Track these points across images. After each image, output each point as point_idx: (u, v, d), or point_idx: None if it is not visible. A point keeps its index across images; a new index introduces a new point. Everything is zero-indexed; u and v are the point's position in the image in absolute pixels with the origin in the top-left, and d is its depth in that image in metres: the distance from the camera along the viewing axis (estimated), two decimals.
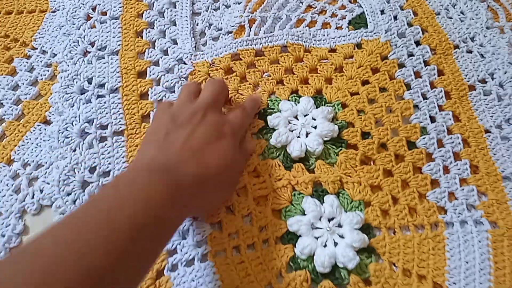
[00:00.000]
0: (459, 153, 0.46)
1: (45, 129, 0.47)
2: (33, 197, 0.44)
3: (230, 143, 0.40)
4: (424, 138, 0.46)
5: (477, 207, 0.44)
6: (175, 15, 0.55)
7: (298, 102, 0.48)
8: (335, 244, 0.40)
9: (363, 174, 0.44)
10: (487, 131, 0.48)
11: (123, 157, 0.46)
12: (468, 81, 0.50)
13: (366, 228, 0.42)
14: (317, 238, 0.41)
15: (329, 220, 0.42)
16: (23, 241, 0.43)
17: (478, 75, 0.50)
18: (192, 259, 0.41)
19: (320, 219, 0.42)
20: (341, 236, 0.41)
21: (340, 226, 0.42)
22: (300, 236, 0.41)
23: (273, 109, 0.48)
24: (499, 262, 0.41)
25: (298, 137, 0.46)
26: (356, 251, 0.40)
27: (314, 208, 0.42)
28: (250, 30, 0.54)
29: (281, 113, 0.47)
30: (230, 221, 0.42)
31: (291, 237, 0.41)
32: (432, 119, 0.48)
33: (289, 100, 0.48)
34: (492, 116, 0.48)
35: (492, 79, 0.50)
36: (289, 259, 0.41)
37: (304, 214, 0.42)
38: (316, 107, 0.48)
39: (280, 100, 0.48)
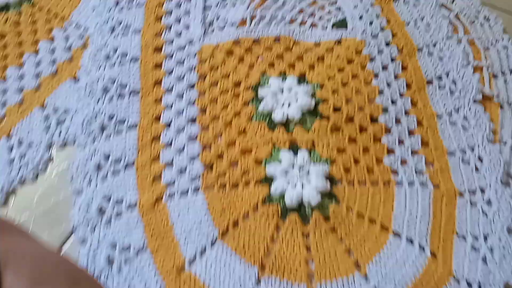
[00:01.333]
0: (413, 130, 0.56)
1: (74, 84, 0.57)
2: (59, 135, 0.53)
3: None
4: (385, 115, 0.56)
5: (424, 173, 0.53)
6: (189, 7, 0.67)
7: (285, 80, 0.58)
8: (303, 186, 0.50)
9: (332, 139, 0.54)
10: (438, 116, 0.57)
11: (136, 111, 0.56)
12: (426, 77, 0.61)
13: (330, 179, 0.51)
14: (288, 181, 0.50)
15: (300, 168, 0.51)
16: (48, 167, 0.52)
17: (436, 73, 0.61)
18: (186, 190, 0.50)
19: (292, 167, 0.51)
20: (308, 181, 0.50)
21: (308, 174, 0.51)
22: (275, 179, 0.50)
23: (263, 84, 0.58)
24: (437, 215, 0.50)
25: (282, 106, 0.56)
26: (319, 194, 0.49)
27: (288, 157, 0.51)
28: (251, 24, 0.65)
29: (270, 87, 0.57)
30: (220, 165, 0.52)
31: (268, 180, 0.51)
32: (393, 102, 0.58)
33: (277, 78, 0.59)
34: (444, 105, 0.58)
35: (447, 76, 0.61)
36: (265, 196, 0.50)
37: (280, 163, 0.51)
38: (299, 84, 0.58)
39: (270, 77, 0.59)
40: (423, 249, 0.48)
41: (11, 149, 0.52)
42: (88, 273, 0.37)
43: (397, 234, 0.49)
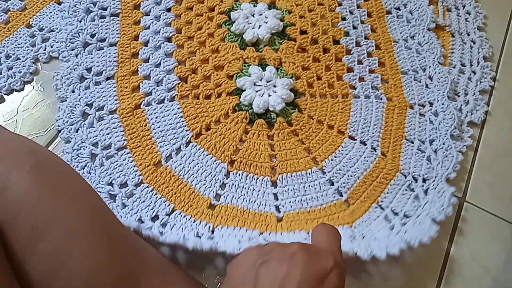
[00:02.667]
0: (371, 52, 0.62)
1: (58, 6, 0.61)
2: (45, 50, 0.57)
3: None
4: (346, 38, 0.61)
5: (379, 88, 0.59)
6: None
7: (256, 5, 0.63)
8: (269, 95, 0.55)
9: (298, 58, 0.59)
10: (395, 41, 0.63)
11: (117, 30, 0.59)
12: (386, 7, 0.66)
13: (294, 92, 0.56)
14: (257, 91, 0.55)
15: (267, 81, 0.56)
16: (34, 79, 0.56)
17: (394, 4, 0.66)
18: (163, 99, 0.55)
19: (260, 80, 0.56)
20: (275, 91, 0.55)
21: (275, 86, 0.56)
22: (244, 90, 0.55)
23: (236, 9, 0.63)
24: (389, 122, 0.56)
25: (253, 28, 0.60)
26: (284, 102, 0.54)
27: (257, 71, 0.56)
28: None
29: (241, 11, 0.62)
30: (194, 78, 0.56)
31: (238, 92, 0.56)
32: (355, 28, 0.63)
33: (249, 3, 0.63)
34: (401, 32, 0.64)
35: (405, 7, 0.66)
36: (235, 104, 0.55)
37: (250, 76, 0.56)
38: (269, 9, 0.63)
39: (242, 3, 0.63)
40: (374, 149, 0.54)
41: None
42: (51, 152, 0.40)
43: (352, 137, 0.54)
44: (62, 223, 0.33)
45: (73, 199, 0.35)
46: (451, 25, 0.66)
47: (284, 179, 0.51)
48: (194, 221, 0.48)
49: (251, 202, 0.49)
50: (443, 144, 0.55)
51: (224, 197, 0.49)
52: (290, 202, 0.50)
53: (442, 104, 0.57)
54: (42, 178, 0.34)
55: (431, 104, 0.58)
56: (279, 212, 0.49)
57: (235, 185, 0.50)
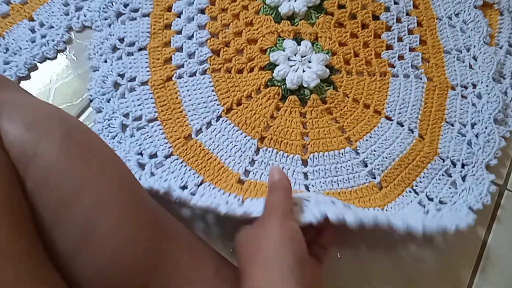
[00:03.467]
0: (413, 29, 0.58)
1: None
2: (78, 19, 0.57)
3: None
4: (387, 14, 0.58)
5: (419, 67, 0.56)
6: None
7: None
8: (303, 71, 0.53)
9: (335, 34, 0.57)
10: (438, 19, 0.60)
11: (150, 1, 0.58)
12: None
13: (330, 69, 0.54)
14: (290, 66, 0.53)
15: (302, 56, 0.54)
16: (67, 48, 0.56)
17: None
18: (194, 72, 0.54)
19: (295, 55, 0.54)
20: (309, 67, 0.53)
21: (309, 61, 0.54)
22: (278, 65, 0.54)
23: None
24: (428, 103, 0.53)
25: (289, 1, 0.58)
26: (319, 79, 0.52)
27: (291, 45, 0.54)
28: None
29: None
30: (226, 51, 0.55)
31: (271, 67, 0.54)
32: (396, 3, 0.60)
33: None
34: (445, 9, 0.60)
35: None
36: (267, 80, 0.53)
37: (284, 51, 0.54)
38: None
39: None
40: (412, 131, 0.52)
41: (33, 30, 0.56)
42: (82, 122, 0.40)
43: (388, 118, 0.52)
44: (91, 192, 0.33)
45: (102, 170, 0.35)
46: (500, 2, 0.61)
47: (316, 158, 0.49)
48: (224, 193, 0.47)
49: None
50: (486, 128, 0.52)
51: (253, 173, 0.48)
52: (320, 182, 0.49)
53: (486, 86, 0.54)
54: (72, 147, 0.34)
55: (474, 86, 0.55)
56: (309, 191, 0.48)
57: (265, 162, 0.49)
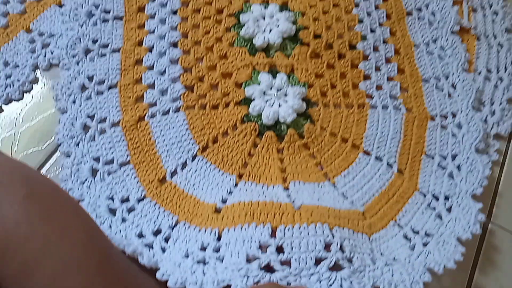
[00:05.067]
0: (390, 58, 0.58)
1: (59, 9, 0.58)
2: (45, 56, 0.55)
3: None
4: (363, 42, 0.57)
5: (398, 97, 0.55)
6: None
7: (267, 7, 0.59)
8: (280, 105, 0.52)
9: (311, 65, 0.55)
10: (416, 46, 0.59)
11: (120, 35, 0.56)
12: (406, 8, 0.61)
13: (306, 102, 0.53)
14: (266, 101, 0.52)
15: (278, 90, 0.53)
16: (33, 88, 0.53)
17: (416, 4, 0.62)
18: (167, 110, 0.52)
19: (271, 89, 0.53)
20: (285, 101, 0.52)
21: (286, 95, 0.53)
22: (253, 100, 0.52)
23: (246, 11, 0.59)
24: (407, 135, 0.52)
25: (264, 32, 0.57)
26: (295, 113, 0.51)
27: (267, 79, 0.53)
28: None
29: (252, 13, 0.58)
30: (200, 86, 0.53)
31: (247, 102, 0.52)
32: (372, 31, 0.59)
33: (259, 5, 0.59)
34: (422, 36, 0.60)
35: (427, 8, 0.62)
36: (243, 115, 0.52)
37: (259, 85, 0.53)
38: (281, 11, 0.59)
39: (252, 4, 0.59)
40: (391, 166, 0.50)
41: None
42: (46, 178, 0.38)
43: (367, 152, 0.51)
44: (55, 257, 0.31)
45: (67, 230, 0.33)
46: (476, 27, 0.61)
47: (297, 185, 0.48)
48: (199, 230, 0.45)
49: (263, 196, 0.46)
50: (467, 158, 0.51)
51: (231, 199, 0.46)
52: (305, 201, 0.46)
53: (466, 115, 0.53)
54: (34, 209, 0.32)
55: (454, 115, 0.54)
56: (295, 204, 0.45)
57: (245, 190, 0.47)
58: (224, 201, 0.47)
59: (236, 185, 0.47)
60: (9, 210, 0.31)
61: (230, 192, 0.47)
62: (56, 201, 0.35)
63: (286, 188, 0.47)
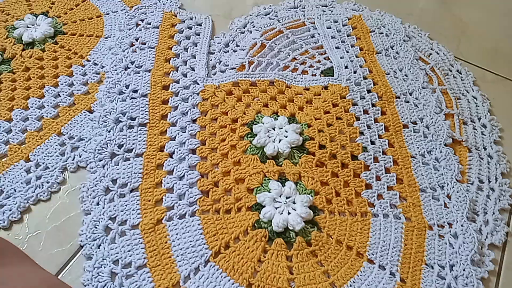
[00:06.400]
0: (389, 168, 0.63)
1: (89, 115, 0.64)
2: (73, 159, 0.60)
3: None
4: (364, 154, 0.63)
5: (398, 207, 0.59)
6: (195, 51, 0.75)
7: (277, 119, 0.65)
8: (289, 213, 0.56)
9: (316, 173, 0.60)
10: (412, 157, 0.64)
11: (144, 141, 0.62)
12: (403, 122, 0.68)
13: (313, 209, 0.57)
14: (276, 208, 0.56)
15: (287, 197, 0.57)
16: (61, 189, 0.58)
17: (411, 118, 0.68)
18: (184, 214, 0.56)
19: (280, 196, 0.57)
20: (294, 209, 0.56)
21: (294, 203, 0.57)
22: (264, 206, 0.56)
23: (257, 122, 0.65)
24: (408, 244, 0.56)
25: (274, 142, 0.63)
26: (303, 221, 0.55)
27: (277, 187, 0.57)
28: (249, 68, 0.73)
29: (263, 124, 0.64)
30: (215, 191, 0.58)
31: (258, 207, 0.57)
32: (372, 143, 0.65)
33: (270, 117, 0.66)
34: (418, 147, 0.65)
35: (421, 121, 0.68)
36: (254, 221, 0.55)
37: (270, 192, 0.57)
38: (289, 123, 0.65)
39: (264, 116, 0.66)
40: (393, 275, 0.53)
41: (29, 171, 0.58)
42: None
43: (370, 261, 0.54)
44: None
45: None
46: (467, 140, 0.67)
47: None
48: None
49: None
50: (464, 270, 0.54)
51: None
52: None
53: (461, 226, 0.57)
54: None
55: (450, 225, 0.58)
56: None
57: None
58: None
59: None
60: None
61: None
62: None
63: None
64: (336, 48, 0.78)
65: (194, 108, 0.67)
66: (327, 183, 0.60)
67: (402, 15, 0.87)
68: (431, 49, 0.81)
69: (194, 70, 0.72)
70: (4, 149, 0.60)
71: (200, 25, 0.81)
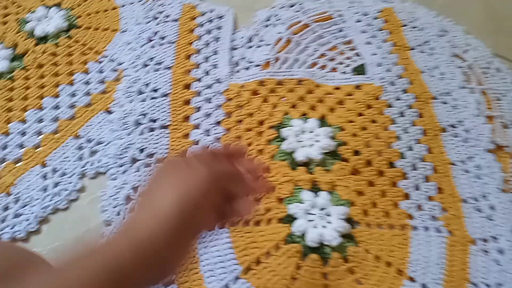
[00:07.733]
0: (429, 176, 0.58)
1: (107, 116, 0.60)
2: (92, 165, 0.56)
3: None
4: (402, 161, 0.59)
5: (439, 219, 0.55)
6: (217, 47, 0.70)
7: (306, 122, 0.61)
8: (324, 226, 0.52)
9: (351, 181, 0.56)
10: (452, 164, 0.60)
11: (166, 144, 0.58)
12: (441, 124, 0.63)
13: (349, 221, 0.53)
14: (309, 221, 0.52)
15: (321, 209, 0.53)
16: (79, 198, 0.54)
17: (450, 121, 0.64)
18: None
19: (313, 208, 0.53)
20: (329, 222, 0.52)
21: (328, 215, 0.53)
22: (296, 218, 0.53)
23: (286, 124, 0.61)
24: (452, 261, 0.52)
25: (304, 146, 0.58)
26: (340, 236, 0.51)
27: (310, 198, 0.54)
28: (275, 65, 0.68)
29: (292, 127, 0.60)
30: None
31: (289, 219, 0.53)
32: (410, 148, 0.60)
33: (299, 119, 0.61)
34: (457, 153, 0.61)
35: (461, 125, 0.64)
36: (286, 235, 0.52)
37: (302, 203, 0.54)
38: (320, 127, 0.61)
39: (291, 118, 0.62)
40: None
41: (45, 177, 0.55)
42: None
43: (411, 279, 0.50)
44: None
45: None
46: (510, 145, 0.63)
47: None
48: None
49: None
50: None
51: None
52: None
53: (508, 240, 0.53)
54: None
55: (495, 239, 0.54)
56: None
57: None
58: None
59: None
60: None
61: None
62: None
63: None
64: (367, 43, 0.73)
65: (218, 109, 0.63)
66: (363, 193, 0.56)
67: (436, 7, 0.81)
68: (468, 44, 0.76)
69: (216, 67, 0.68)
70: (18, 153, 0.56)
71: (221, 18, 0.76)
